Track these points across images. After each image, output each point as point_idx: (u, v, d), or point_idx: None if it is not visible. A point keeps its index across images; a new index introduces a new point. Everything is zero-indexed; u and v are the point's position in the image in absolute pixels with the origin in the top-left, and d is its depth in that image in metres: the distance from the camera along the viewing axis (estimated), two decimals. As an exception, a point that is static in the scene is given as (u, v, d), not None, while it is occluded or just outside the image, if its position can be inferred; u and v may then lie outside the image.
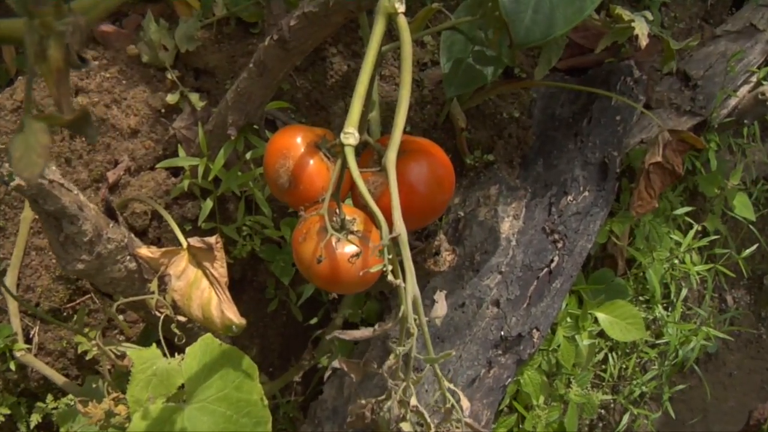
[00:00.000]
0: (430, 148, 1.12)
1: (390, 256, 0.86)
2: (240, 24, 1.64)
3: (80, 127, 0.48)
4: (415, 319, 0.86)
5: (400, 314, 0.86)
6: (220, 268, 1.22)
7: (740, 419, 2.28)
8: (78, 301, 1.51)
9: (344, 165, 0.91)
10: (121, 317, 1.55)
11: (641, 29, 1.36)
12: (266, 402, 1.12)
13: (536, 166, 1.66)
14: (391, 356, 0.86)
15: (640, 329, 1.79)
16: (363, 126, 1.11)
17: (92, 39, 1.64)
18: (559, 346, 1.75)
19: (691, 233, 2.02)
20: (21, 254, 1.46)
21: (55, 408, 1.49)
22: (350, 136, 0.88)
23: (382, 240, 0.85)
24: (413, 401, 0.89)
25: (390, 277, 0.84)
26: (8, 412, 1.49)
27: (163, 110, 1.56)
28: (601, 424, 2.09)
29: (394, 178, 0.87)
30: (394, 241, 0.85)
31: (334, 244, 0.96)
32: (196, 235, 1.27)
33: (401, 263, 0.86)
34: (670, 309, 2.06)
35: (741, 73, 1.92)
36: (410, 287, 0.84)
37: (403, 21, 0.93)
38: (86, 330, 1.40)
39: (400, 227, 0.84)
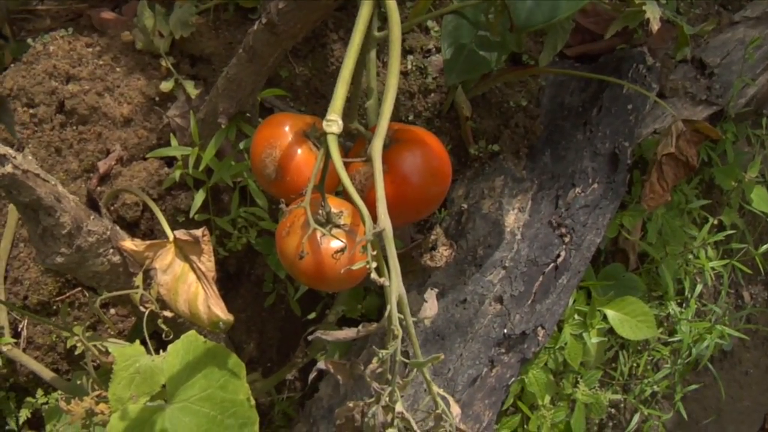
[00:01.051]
0: (425, 137, 1.06)
1: (374, 253, 0.80)
2: (238, 10, 1.59)
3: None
4: (401, 320, 0.81)
5: (386, 314, 0.80)
6: (207, 262, 1.17)
7: (756, 419, 2.22)
8: (68, 294, 1.47)
9: (328, 154, 0.85)
10: (112, 311, 1.51)
11: (653, 13, 1.29)
12: (253, 402, 1.07)
13: (543, 157, 1.59)
14: (375, 360, 0.81)
15: (651, 327, 1.72)
16: (353, 114, 1.06)
17: (89, 26, 1.61)
18: (566, 344, 1.69)
19: (707, 227, 1.95)
20: (9, 246, 1.42)
21: (45, 403, 1.45)
22: (333, 123, 0.83)
23: (366, 235, 0.79)
24: (399, 407, 0.83)
25: (374, 275, 0.79)
26: (-4, 407, 1.46)
27: (157, 98, 1.52)
28: (611, 424, 2.03)
29: (379, 168, 0.82)
30: (380, 237, 0.80)
31: (318, 238, 0.91)
32: (190, 227, 1.22)
33: (387, 260, 0.80)
34: (684, 306, 1.99)
35: (760, 60, 1.84)
36: (395, 286, 0.79)
37: (391, 2, 0.87)
38: (75, 324, 1.35)
39: (385, 221, 0.79)
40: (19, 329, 1.47)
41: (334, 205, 0.96)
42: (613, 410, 2.02)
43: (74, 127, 1.48)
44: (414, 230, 1.59)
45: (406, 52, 1.60)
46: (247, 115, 1.36)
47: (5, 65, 1.57)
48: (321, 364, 0.94)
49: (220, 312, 1.16)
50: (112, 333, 1.46)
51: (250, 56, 1.18)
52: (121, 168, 1.48)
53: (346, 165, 0.85)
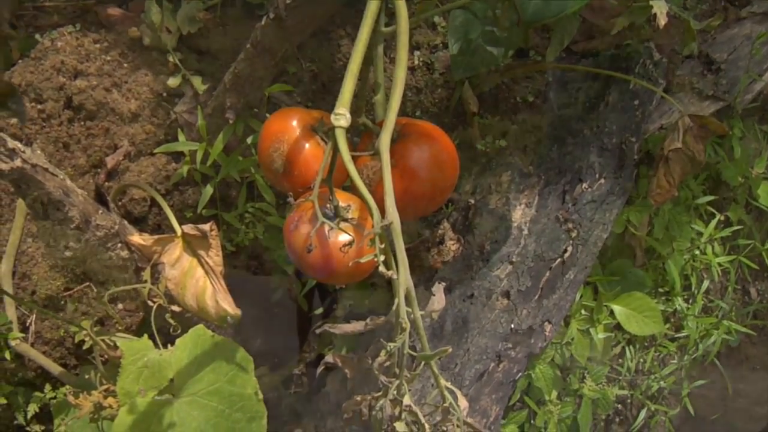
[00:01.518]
0: (433, 131, 1.06)
1: (382, 246, 0.81)
2: (245, 5, 1.59)
3: (2, 103, 0.43)
4: (409, 313, 0.81)
5: (393, 308, 0.81)
6: (215, 257, 1.18)
7: (763, 416, 2.21)
8: (76, 289, 1.47)
9: (336, 148, 0.86)
10: (120, 306, 1.51)
11: (660, 7, 1.29)
12: (261, 396, 1.08)
13: (550, 153, 1.59)
14: (382, 353, 0.81)
15: (658, 323, 1.72)
16: (361, 108, 1.06)
17: (97, 22, 1.61)
18: (572, 339, 1.69)
19: (713, 223, 1.95)
20: (17, 241, 1.42)
21: (54, 398, 1.46)
22: (341, 117, 0.83)
23: (374, 228, 0.80)
24: (407, 400, 0.83)
25: (382, 268, 0.79)
26: (5, 401, 1.46)
27: (164, 94, 1.52)
28: (617, 419, 2.03)
29: (387, 161, 0.82)
30: (387, 230, 0.80)
31: (326, 232, 0.91)
32: (198, 223, 1.23)
33: (395, 253, 0.81)
34: (690, 301, 1.99)
35: (766, 56, 1.83)
36: (403, 279, 0.79)
37: (399, -4, 0.88)
38: (83, 319, 1.36)
39: (393, 215, 0.79)
40: (28, 324, 1.47)
41: (342, 199, 0.96)
42: (619, 406, 2.02)
43: (82, 123, 1.49)
44: (421, 226, 1.59)
45: (413, 47, 1.60)
46: (255, 110, 1.36)
47: (13, 61, 1.57)
48: (329, 358, 0.95)
49: (228, 306, 1.16)
50: (120, 328, 1.46)
51: (258, 51, 1.19)
52: (128, 163, 1.48)
53: (354, 159, 0.85)
